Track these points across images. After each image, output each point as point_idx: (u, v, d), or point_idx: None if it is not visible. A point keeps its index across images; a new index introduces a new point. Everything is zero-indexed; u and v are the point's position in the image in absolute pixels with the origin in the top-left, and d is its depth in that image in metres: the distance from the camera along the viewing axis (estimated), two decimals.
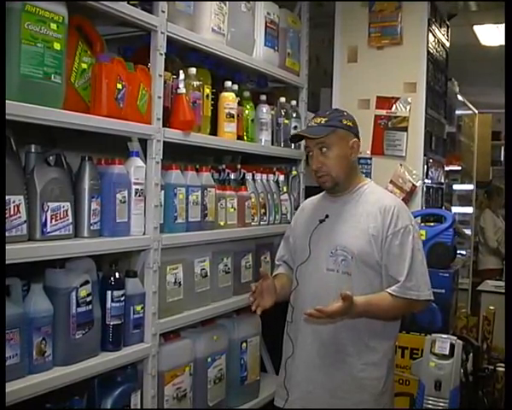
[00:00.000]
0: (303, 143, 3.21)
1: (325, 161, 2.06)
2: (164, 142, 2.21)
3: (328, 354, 2.07)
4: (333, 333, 2.05)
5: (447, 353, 2.58)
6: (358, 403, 2.05)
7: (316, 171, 2.09)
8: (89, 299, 1.91)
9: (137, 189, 2.10)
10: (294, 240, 2.26)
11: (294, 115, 3.15)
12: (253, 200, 2.82)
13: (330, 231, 2.10)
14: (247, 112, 2.83)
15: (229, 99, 2.60)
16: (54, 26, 1.73)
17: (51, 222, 1.79)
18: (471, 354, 2.80)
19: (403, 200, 3.04)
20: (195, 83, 2.40)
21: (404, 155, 3.27)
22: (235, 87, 2.69)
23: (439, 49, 3.58)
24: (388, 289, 2.00)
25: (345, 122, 2.09)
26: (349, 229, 2.07)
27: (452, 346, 2.59)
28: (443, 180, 3.85)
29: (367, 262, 2.03)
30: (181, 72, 2.30)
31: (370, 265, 2.03)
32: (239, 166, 2.91)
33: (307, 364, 2.10)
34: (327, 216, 2.13)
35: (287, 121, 3.10)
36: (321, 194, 2.26)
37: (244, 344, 2.74)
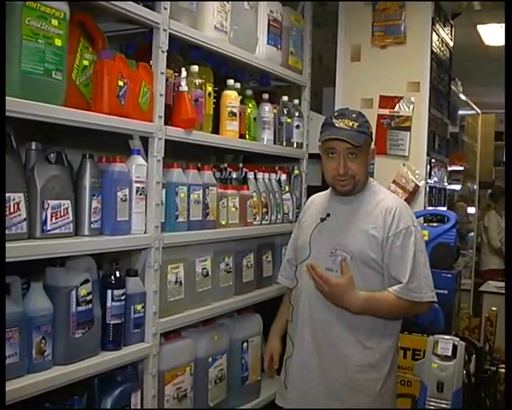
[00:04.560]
0: (305, 141, 3.23)
1: (352, 167, 2.01)
2: (165, 140, 2.19)
3: (324, 354, 2.05)
4: (329, 333, 2.04)
5: (450, 354, 2.57)
6: (354, 405, 2.03)
7: (340, 175, 2.01)
8: (89, 298, 1.89)
9: (139, 187, 2.09)
10: (298, 237, 2.25)
11: (297, 114, 3.13)
12: (254, 199, 2.81)
13: (331, 230, 2.09)
14: (249, 110, 2.81)
15: (231, 97, 2.59)
16: (55, 22, 1.71)
17: (51, 220, 1.78)
18: (473, 356, 2.79)
19: (405, 200, 3.04)
20: (197, 81, 2.39)
21: (407, 154, 3.26)
22: (238, 85, 2.67)
23: (442, 49, 3.57)
24: (390, 289, 1.98)
25: (370, 129, 2.09)
26: (349, 229, 2.05)
27: (455, 347, 2.58)
28: (446, 180, 3.84)
29: (367, 263, 2.01)
30: (183, 69, 2.28)
31: (370, 266, 2.01)
32: (241, 165, 2.90)
33: (304, 363, 2.09)
34: (328, 215, 2.11)
35: (289, 120, 3.09)
36: (327, 191, 2.23)
37: (245, 344, 2.73)
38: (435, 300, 2.05)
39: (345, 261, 1.98)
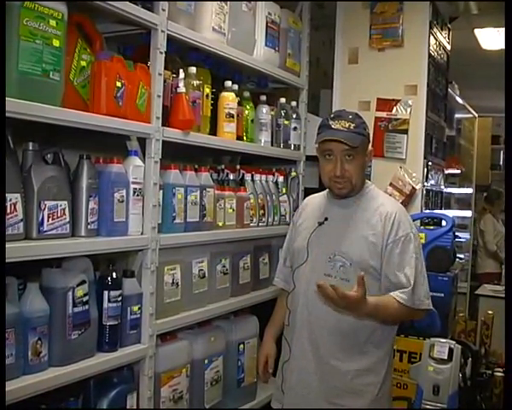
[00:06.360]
0: (302, 143, 3.23)
1: (349, 169, 1.99)
2: (163, 141, 2.19)
3: (322, 360, 2.04)
4: (327, 339, 2.03)
5: (446, 357, 2.57)
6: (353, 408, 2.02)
7: (337, 177, 1.99)
8: (85, 299, 1.89)
9: (136, 188, 2.08)
10: (294, 239, 2.23)
11: (294, 116, 3.14)
12: (251, 201, 2.81)
13: (329, 235, 2.07)
14: (246, 112, 2.82)
15: (229, 99, 2.59)
16: (53, 22, 1.71)
17: (48, 221, 1.78)
18: (469, 359, 2.79)
19: (402, 203, 3.04)
20: (195, 82, 2.39)
21: (404, 157, 3.26)
22: (235, 87, 2.68)
23: (440, 52, 3.57)
24: (393, 294, 1.94)
25: (367, 130, 2.07)
26: (348, 235, 2.03)
27: (451, 350, 2.58)
28: (442, 183, 3.84)
29: (365, 270, 1.97)
30: (181, 71, 2.28)
31: (368, 272, 1.98)
32: (238, 167, 2.89)
33: (302, 368, 2.08)
34: (326, 219, 2.09)
35: (287, 122, 3.09)
36: (323, 193, 2.22)
37: (241, 346, 2.73)
38: (431, 307, 2.04)
39: (361, 274, 1.84)
